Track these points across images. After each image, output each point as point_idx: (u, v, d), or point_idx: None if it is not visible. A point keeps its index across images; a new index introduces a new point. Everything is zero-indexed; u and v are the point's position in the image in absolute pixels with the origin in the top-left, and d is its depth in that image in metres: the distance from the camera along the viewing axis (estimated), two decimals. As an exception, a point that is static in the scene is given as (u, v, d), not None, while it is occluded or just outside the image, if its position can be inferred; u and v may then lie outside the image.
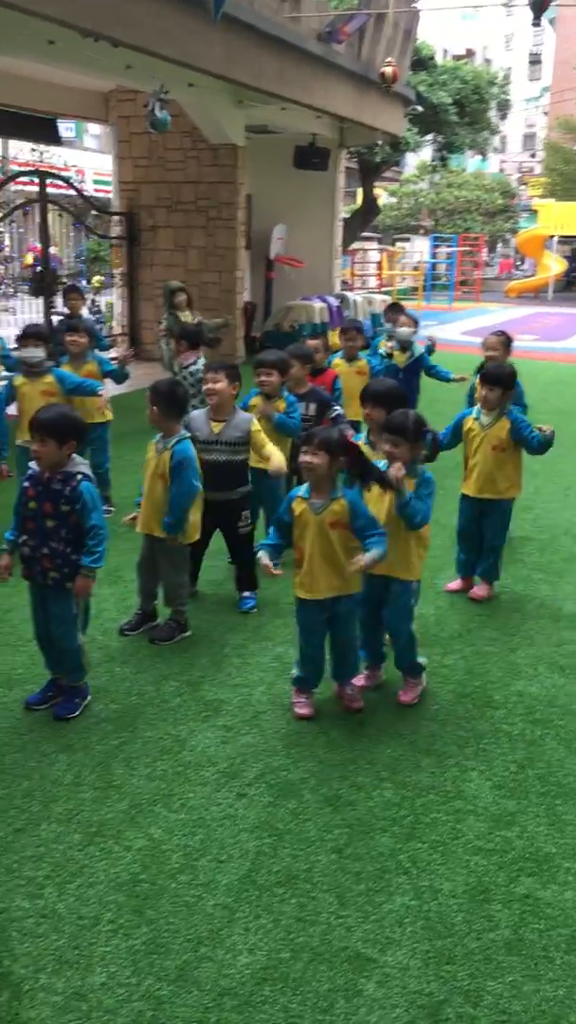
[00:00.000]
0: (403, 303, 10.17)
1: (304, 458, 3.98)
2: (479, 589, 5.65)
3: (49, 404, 5.05)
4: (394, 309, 8.68)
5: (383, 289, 23.83)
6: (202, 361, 7.23)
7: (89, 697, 4.28)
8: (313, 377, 6.63)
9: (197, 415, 5.19)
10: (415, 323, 8.20)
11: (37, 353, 6.23)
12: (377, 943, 2.91)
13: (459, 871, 3.24)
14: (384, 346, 8.27)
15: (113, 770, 3.77)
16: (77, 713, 4.17)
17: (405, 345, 8.06)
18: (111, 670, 4.61)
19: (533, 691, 4.52)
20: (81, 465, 4.01)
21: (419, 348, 8.15)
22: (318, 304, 15.11)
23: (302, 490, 4.09)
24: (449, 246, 31.81)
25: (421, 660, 4.46)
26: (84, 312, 8.96)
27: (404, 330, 8.00)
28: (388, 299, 17.47)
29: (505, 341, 6.56)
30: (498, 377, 5.36)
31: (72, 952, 2.84)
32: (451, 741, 4.06)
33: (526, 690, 4.53)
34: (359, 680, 4.44)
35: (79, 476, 3.94)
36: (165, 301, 9.50)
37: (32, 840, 3.34)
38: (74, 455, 4.02)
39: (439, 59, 26.01)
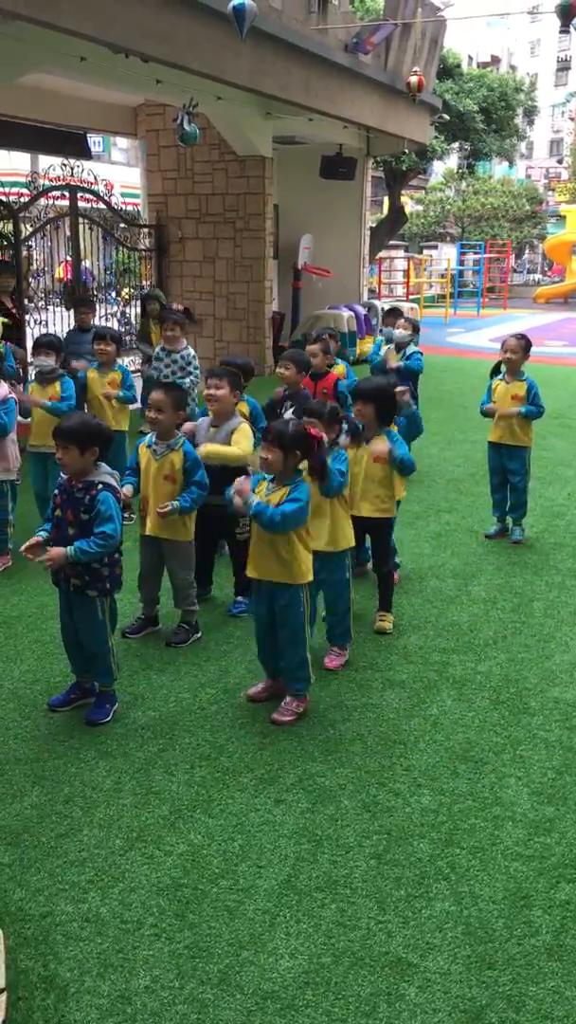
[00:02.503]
0: (404, 308, 10.37)
1: (260, 453, 4.10)
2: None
3: (73, 412, 5.17)
4: (392, 314, 8.94)
5: (411, 297, 23.80)
6: (191, 350, 7.70)
7: (117, 703, 4.33)
8: (315, 381, 6.66)
9: (202, 422, 5.33)
10: (414, 328, 8.38)
11: (48, 362, 6.45)
12: (418, 948, 2.92)
13: (499, 877, 3.24)
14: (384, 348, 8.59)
15: (152, 776, 3.81)
16: (108, 719, 4.23)
17: (399, 347, 8.26)
18: (148, 678, 4.66)
19: (569, 697, 4.51)
20: (106, 475, 4.07)
21: (412, 348, 8.34)
22: (346, 313, 15.16)
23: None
24: (476, 253, 31.76)
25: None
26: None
27: (399, 332, 8.28)
28: (415, 307, 17.49)
29: (524, 344, 6.58)
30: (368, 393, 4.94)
31: (116, 956, 2.88)
32: (488, 748, 4.06)
33: (562, 696, 4.52)
34: (257, 688, 4.46)
35: (100, 485, 4.01)
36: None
37: (75, 845, 3.38)
38: (102, 464, 4.09)
39: (465, 66, 26.02)
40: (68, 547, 3.93)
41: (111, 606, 4.22)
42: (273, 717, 4.24)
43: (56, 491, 4.12)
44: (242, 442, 5.15)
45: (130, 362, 11.80)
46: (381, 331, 9.17)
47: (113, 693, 4.33)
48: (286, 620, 4.18)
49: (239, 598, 5.51)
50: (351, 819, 3.55)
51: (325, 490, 4.36)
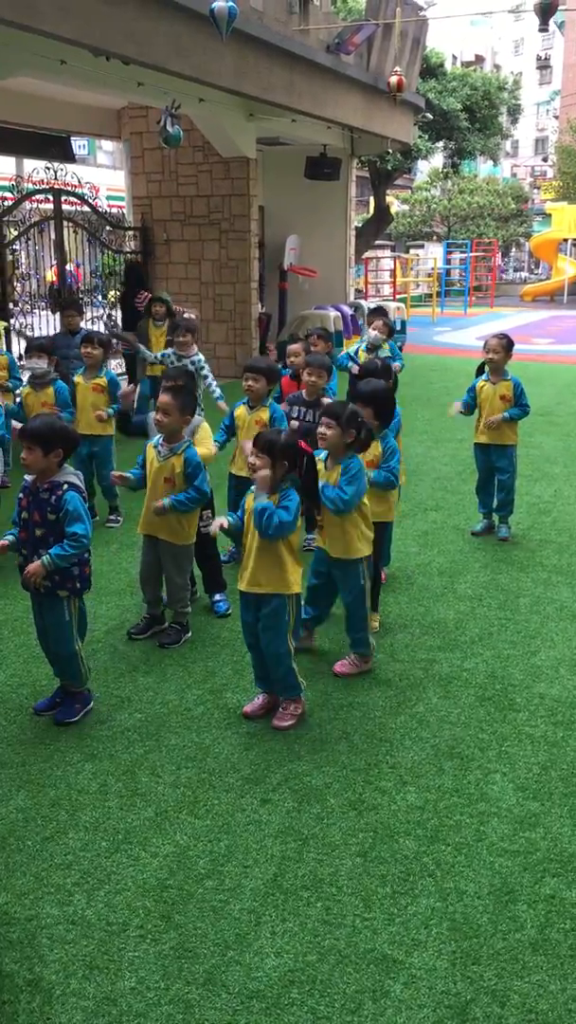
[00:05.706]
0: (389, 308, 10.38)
1: (249, 459, 4.08)
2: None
3: (37, 414, 5.19)
4: (376, 313, 8.91)
5: (398, 296, 23.82)
6: (201, 355, 7.62)
7: (91, 704, 4.33)
8: (297, 383, 6.63)
9: (150, 417, 5.31)
10: (390, 332, 8.39)
11: (41, 364, 6.44)
12: (403, 945, 2.93)
13: (484, 872, 3.25)
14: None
15: (138, 778, 3.81)
16: (77, 719, 4.23)
17: (372, 348, 8.23)
18: (134, 680, 4.65)
19: (554, 693, 4.53)
20: (71, 475, 4.08)
21: (385, 352, 8.28)
22: (332, 313, 15.18)
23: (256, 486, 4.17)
24: (463, 252, 31.82)
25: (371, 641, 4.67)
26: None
27: (373, 334, 8.22)
28: (402, 306, 17.52)
29: (506, 343, 6.60)
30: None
31: (102, 957, 2.88)
32: (473, 744, 4.07)
33: (547, 692, 4.54)
34: (255, 704, 4.36)
35: (65, 486, 4.01)
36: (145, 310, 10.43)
37: (60, 848, 3.38)
38: (66, 466, 4.10)
39: (448, 65, 26.07)
40: (43, 558, 3.92)
41: (79, 608, 4.21)
42: (274, 723, 4.20)
43: (21, 493, 4.11)
44: (206, 441, 5.22)
45: (116, 364, 11.82)
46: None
47: (85, 694, 4.34)
48: (269, 627, 4.12)
49: (216, 597, 5.50)
50: (337, 817, 3.55)
51: (334, 509, 4.36)
